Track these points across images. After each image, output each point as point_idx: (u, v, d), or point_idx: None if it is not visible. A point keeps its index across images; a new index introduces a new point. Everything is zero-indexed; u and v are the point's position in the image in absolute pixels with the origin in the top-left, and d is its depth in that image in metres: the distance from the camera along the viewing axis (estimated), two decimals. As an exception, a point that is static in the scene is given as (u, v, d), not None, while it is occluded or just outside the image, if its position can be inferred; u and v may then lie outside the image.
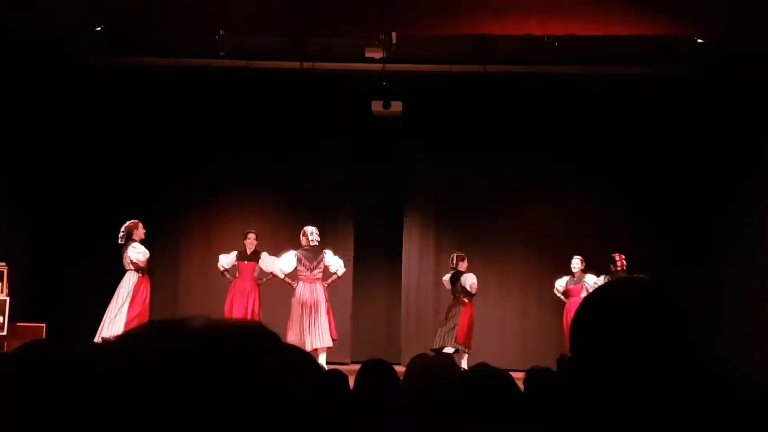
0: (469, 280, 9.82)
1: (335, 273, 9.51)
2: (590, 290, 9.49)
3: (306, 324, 9.22)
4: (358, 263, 11.16)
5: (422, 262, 11.19)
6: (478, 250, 10.64)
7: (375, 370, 3.23)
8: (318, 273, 9.40)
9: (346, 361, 10.42)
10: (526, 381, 3.44)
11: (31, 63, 9.46)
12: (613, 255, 9.86)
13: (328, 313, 9.37)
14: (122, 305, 8.83)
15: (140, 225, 9.15)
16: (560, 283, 10.08)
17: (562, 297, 10.06)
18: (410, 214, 11.25)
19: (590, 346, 1.23)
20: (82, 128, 10.65)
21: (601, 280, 9.73)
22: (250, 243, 9.61)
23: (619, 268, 9.77)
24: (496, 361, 9.24)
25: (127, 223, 9.14)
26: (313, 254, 9.43)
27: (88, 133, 10.71)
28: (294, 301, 9.41)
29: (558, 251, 10.32)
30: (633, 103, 10.60)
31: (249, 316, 9.33)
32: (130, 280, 8.93)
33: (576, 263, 9.97)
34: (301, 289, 9.35)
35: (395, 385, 3.14)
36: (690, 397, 1.17)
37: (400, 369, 3.57)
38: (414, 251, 11.19)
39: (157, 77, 10.52)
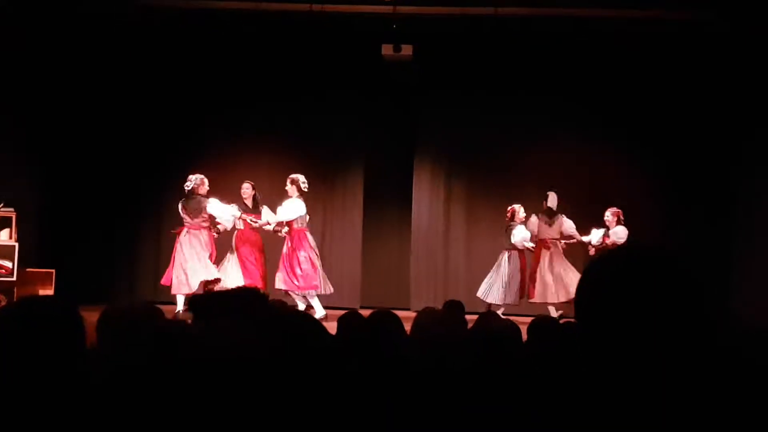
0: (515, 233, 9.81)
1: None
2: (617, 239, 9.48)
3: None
4: (367, 209, 11.16)
5: (432, 208, 11.17)
6: (489, 196, 10.60)
7: (382, 321, 3.22)
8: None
9: (356, 307, 10.51)
10: (529, 330, 3.45)
11: (34, 7, 9.31)
12: (609, 208, 9.75)
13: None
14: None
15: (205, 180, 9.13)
16: (597, 235, 9.81)
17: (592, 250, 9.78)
18: (420, 159, 11.18)
19: (596, 315, 1.21)
20: (90, 74, 10.59)
21: (600, 232, 9.68)
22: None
23: (614, 223, 9.65)
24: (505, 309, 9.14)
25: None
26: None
27: (96, 79, 10.66)
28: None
29: (573, 197, 10.24)
30: (650, 46, 10.37)
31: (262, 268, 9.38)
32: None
33: (608, 215, 9.78)
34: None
35: (402, 337, 3.13)
36: (698, 367, 1.15)
37: (410, 314, 3.57)
38: (424, 197, 11.15)
39: (163, 19, 10.35)
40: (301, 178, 9.36)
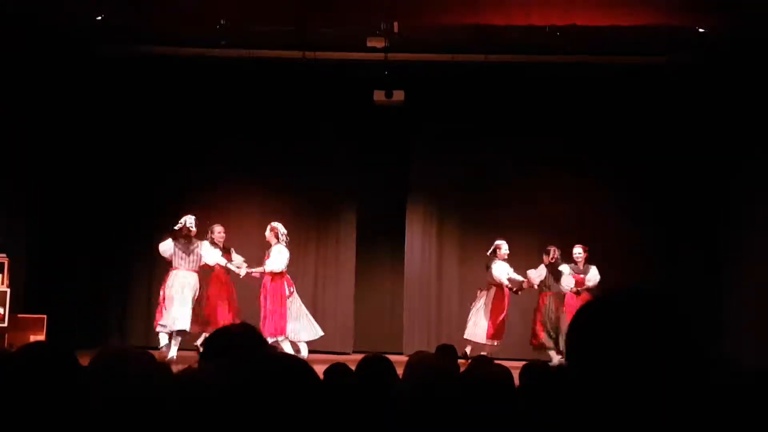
0: (493, 267, 9.89)
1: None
2: (591, 280, 9.55)
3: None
4: (360, 252, 11.17)
5: (425, 251, 11.19)
6: (481, 238, 10.61)
7: (374, 366, 3.23)
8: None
9: (348, 351, 10.45)
10: (521, 375, 3.43)
11: (30, 53, 9.42)
12: (548, 247, 9.86)
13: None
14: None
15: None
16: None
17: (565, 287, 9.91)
18: (413, 202, 11.23)
19: (589, 353, 1.22)
20: (83, 118, 10.65)
21: (567, 269, 9.76)
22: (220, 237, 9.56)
23: (552, 260, 9.79)
24: (499, 352, 9.14)
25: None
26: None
27: (88, 124, 10.72)
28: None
29: (563, 238, 10.28)
30: (634, 91, 10.57)
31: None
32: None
33: (578, 251, 9.93)
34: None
35: (394, 381, 3.13)
36: (690, 401, 1.16)
37: (403, 359, 3.57)
38: (416, 241, 11.18)
39: (158, 66, 10.50)
40: (280, 228, 9.51)
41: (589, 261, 9.91)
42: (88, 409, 1.54)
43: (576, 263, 9.91)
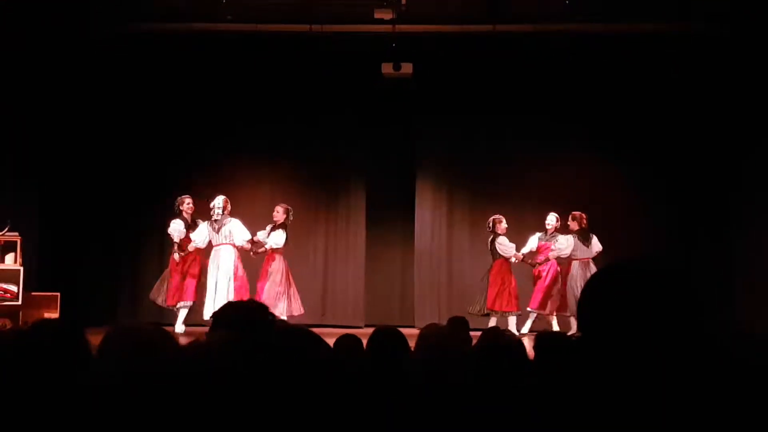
0: (498, 243, 9.91)
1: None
2: (557, 249, 9.60)
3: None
4: (370, 226, 11.16)
5: (434, 225, 11.17)
6: (490, 211, 10.57)
7: (385, 339, 3.22)
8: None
9: (360, 325, 10.49)
10: (536, 346, 3.43)
11: (36, 33, 9.39)
12: (575, 213, 9.90)
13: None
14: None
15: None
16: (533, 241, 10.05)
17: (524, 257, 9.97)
18: (422, 177, 11.20)
19: (599, 325, 1.23)
20: (91, 98, 10.64)
21: (570, 239, 9.78)
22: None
23: (583, 226, 9.82)
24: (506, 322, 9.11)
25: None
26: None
27: (97, 103, 10.71)
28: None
29: (572, 211, 10.24)
30: (646, 61, 10.43)
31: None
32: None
33: (551, 220, 9.94)
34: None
35: (406, 354, 3.12)
36: (697, 372, 1.17)
37: (414, 332, 3.57)
38: (426, 214, 11.17)
39: (163, 42, 10.44)
40: (290, 209, 9.71)
41: (594, 232, 9.91)
42: (96, 385, 1.55)
43: (546, 231, 9.91)
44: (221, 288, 9.16)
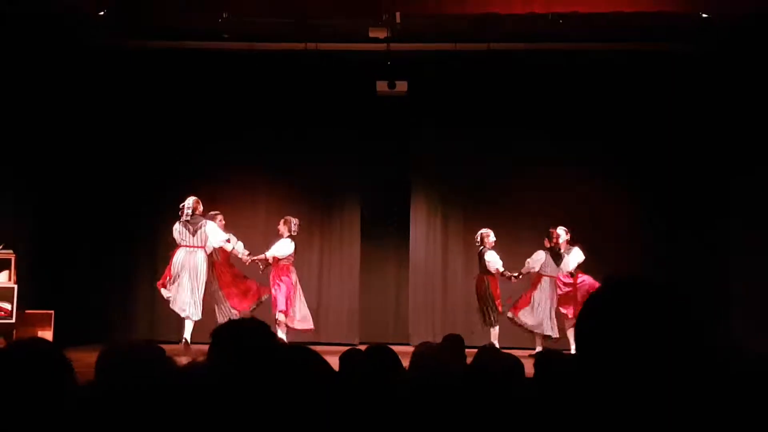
0: (487, 257, 9.94)
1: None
2: (530, 261, 9.60)
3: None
4: (365, 243, 11.16)
5: (429, 241, 11.18)
6: (485, 226, 10.60)
7: (378, 357, 3.22)
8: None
9: (354, 342, 10.46)
10: (536, 364, 3.42)
11: (33, 46, 9.41)
12: (551, 230, 9.93)
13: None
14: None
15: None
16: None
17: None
18: (417, 193, 11.23)
19: (598, 343, 1.23)
20: (86, 112, 10.63)
21: (542, 254, 9.90)
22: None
23: (554, 244, 9.89)
24: (502, 340, 9.13)
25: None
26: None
27: (91, 118, 10.69)
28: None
29: (565, 226, 10.27)
30: (637, 79, 10.52)
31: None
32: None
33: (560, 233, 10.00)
34: None
35: (398, 371, 3.12)
36: (697, 389, 1.17)
37: (409, 349, 3.56)
38: (421, 231, 11.18)
39: (160, 60, 10.48)
40: (294, 220, 9.63)
41: (588, 246, 9.95)
42: (74, 403, 1.55)
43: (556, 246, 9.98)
44: (191, 287, 9.12)
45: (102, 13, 8.73)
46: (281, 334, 9.18)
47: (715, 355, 1.23)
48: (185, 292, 9.08)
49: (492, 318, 9.81)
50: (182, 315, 9.11)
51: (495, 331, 9.79)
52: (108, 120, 10.80)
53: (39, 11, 8.81)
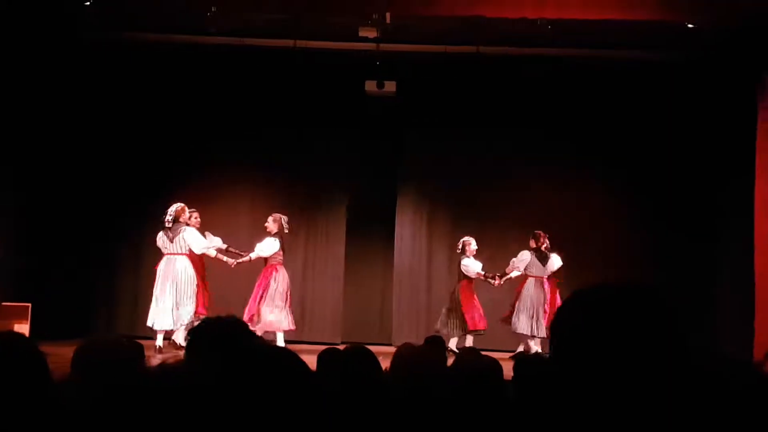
0: (463, 263, 9.93)
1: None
2: (515, 261, 9.62)
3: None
4: (350, 243, 11.15)
5: (415, 242, 11.19)
6: (472, 230, 10.62)
7: (356, 358, 3.19)
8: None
9: (336, 341, 10.44)
10: (515, 368, 3.43)
11: (18, 39, 9.31)
12: (537, 232, 9.92)
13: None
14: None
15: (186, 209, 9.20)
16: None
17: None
18: (403, 194, 11.23)
19: (573, 348, 1.22)
20: (70, 106, 10.53)
21: (527, 254, 9.85)
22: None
23: (540, 245, 9.87)
24: (484, 343, 9.18)
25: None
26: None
27: (76, 112, 10.60)
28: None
29: (553, 230, 10.30)
30: (625, 86, 10.57)
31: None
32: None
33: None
34: None
35: (376, 372, 3.10)
36: (676, 394, 1.17)
37: (391, 350, 3.54)
38: (407, 232, 11.18)
39: (148, 54, 10.39)
40: (284, 218, 9.46)
41: (578, 249, 9.97)
42: (67, 400, 1.53)
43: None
44: (168, 298, 8.98)
45: (87, 3, 8.65)
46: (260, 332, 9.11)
47: (689, 357, 1.22)
48: (169, 301, 8.95)
49: (452, 326, 9.77)
50: (158, 328, 8.92)
51: (470, 339, 9.79)
52: (92, 114, 10.71)
53: (23, 2, 8.72)
